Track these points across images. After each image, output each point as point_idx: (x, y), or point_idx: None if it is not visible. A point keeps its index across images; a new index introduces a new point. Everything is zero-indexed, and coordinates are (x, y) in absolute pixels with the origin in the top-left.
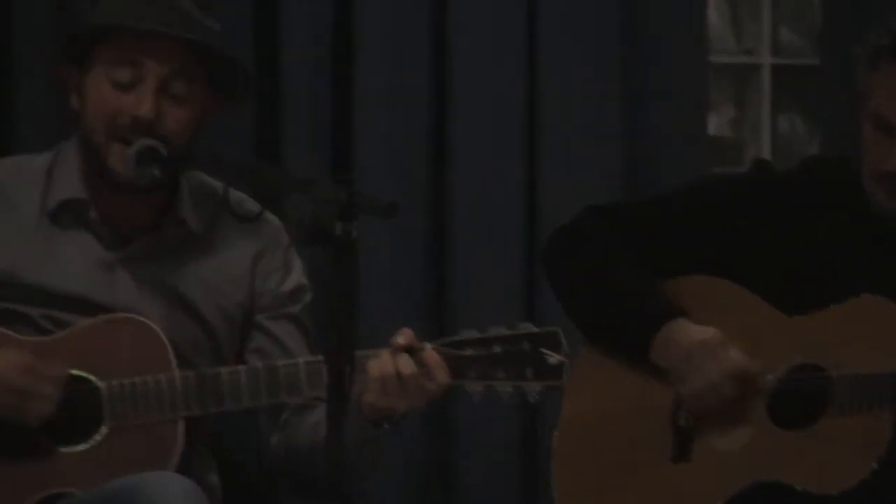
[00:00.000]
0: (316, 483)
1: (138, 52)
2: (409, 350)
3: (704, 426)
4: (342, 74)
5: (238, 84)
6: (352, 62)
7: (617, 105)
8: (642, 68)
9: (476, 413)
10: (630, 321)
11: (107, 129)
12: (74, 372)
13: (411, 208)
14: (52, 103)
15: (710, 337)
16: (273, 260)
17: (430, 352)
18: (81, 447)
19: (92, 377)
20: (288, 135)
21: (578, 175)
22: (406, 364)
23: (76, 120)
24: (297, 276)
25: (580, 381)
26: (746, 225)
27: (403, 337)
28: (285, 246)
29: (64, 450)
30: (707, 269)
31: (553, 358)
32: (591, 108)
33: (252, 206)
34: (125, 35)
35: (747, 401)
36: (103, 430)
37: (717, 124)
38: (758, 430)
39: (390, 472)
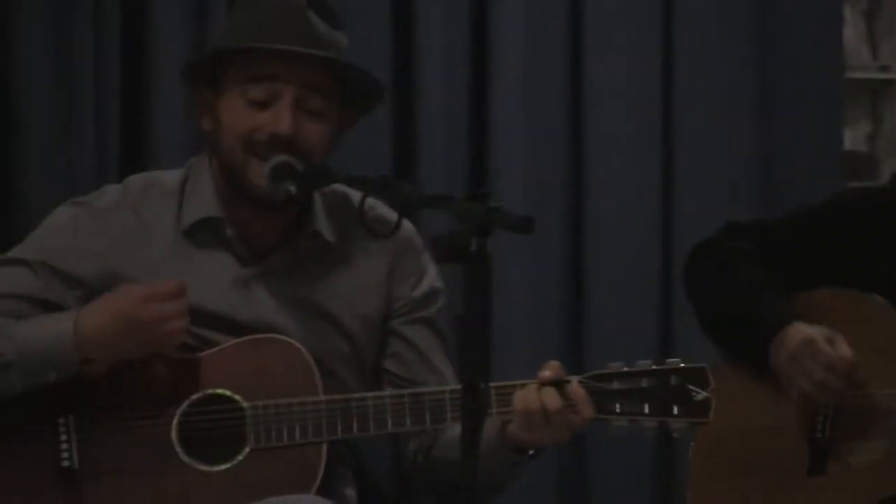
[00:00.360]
0: (454, 491)
1: (273, 70)
2: (556, 383)
3: (839, 438)
4: (478, 91)
5: (371, 98)
6: (487, 80)
7: (752, 121)
8: (778, 84)
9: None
10: (749, 329)
11: (244, 146)
12: (220, 391)
13: (547, 224)
14: (187, 124)
15: (812, 334)
16: (407, 265)
17: (576, 386)
18: (224, 466)
19: (237, 396)
20: (424, 151)
21: (713, 191)
22: (552, 399)
23: (208, 141)
24: (431, 279)
25: (715, 399)
26: (887, 239)
27: (551, 370)
28: (418, 250)
29: (206, 468)
30: (845, 282)
31: (700, 395)
32: (726, 125)
33: (386, 211)
34: (260, 54)
35: (880, 414)
36: (246, 450)
37: (852, 139)
38: (892, 444)
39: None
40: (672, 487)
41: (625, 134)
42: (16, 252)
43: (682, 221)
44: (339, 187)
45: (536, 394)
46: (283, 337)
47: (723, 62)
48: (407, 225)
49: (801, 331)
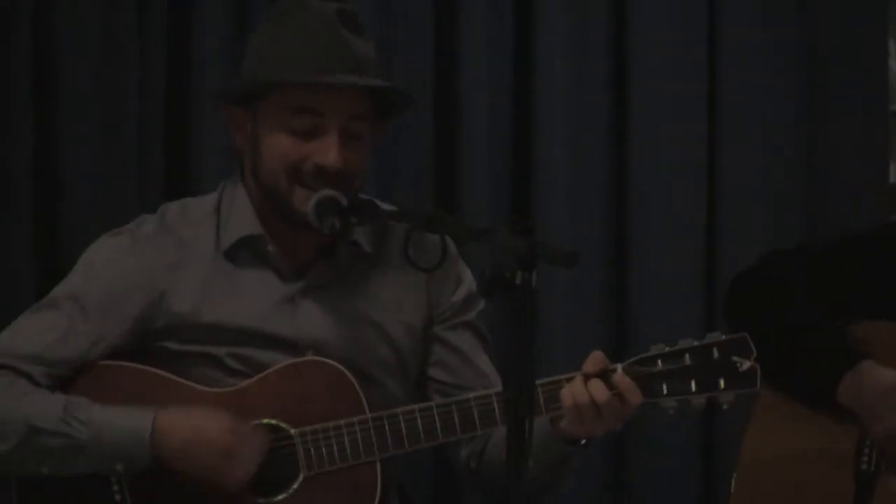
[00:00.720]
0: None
1: (318, 105)
2: (601, 374)
3: (887, 470)
4: (522, 123)
5: (399, 106)
6: (531, 111)
7: (797, 153)
8: (823, 117)
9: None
10: (816, 363)
11: (290, 176)
12: (266, 421)
13: (591, 257)
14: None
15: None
16: (445, 272)
17: (620, 375)
18: (280, 497)
19: (284, 425)
20: (467, 183)
21: (757, 225)
22: (600, 391)
23: (239, 159)
24: (469, 284)
25: (759, 424)
26: None
27: (594, 363)
28: (454, 257)
29: (261, 500)
30: (884, 314)
31: (744, 364)
32: (771, 157)
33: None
34: (306, 86)
35: None
36: (300, 478)
37: None
38: None
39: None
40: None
41: (669, 139)
42: (62, 290)
43: (727, 237)
44: (375, 200)
45: (584, 387)
46: (322, 359)
47: (769, 95)
48: (452, 247)
49: (882, 376)
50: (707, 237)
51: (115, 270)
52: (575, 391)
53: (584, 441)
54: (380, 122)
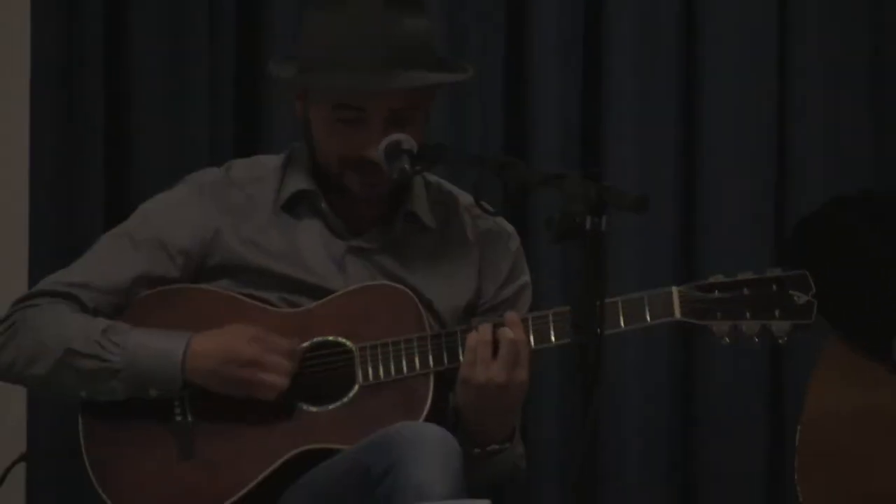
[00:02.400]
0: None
1: (359, 103)
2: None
3: None
4: (591, 72)
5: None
6: (600, 61)
7: (866, 127)
8: (889, 95)
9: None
10: (876, 308)
11: (339, 163)
12: (331, 337)
13: (660, 202)
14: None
15: None
16: (498, 265)
17: (509, 313)
18: (334, 405)
19: (346, 341)
20: (537, 131)
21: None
22: (502, 332)
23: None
24: (522, 283)
25: (823, 376)
26: None
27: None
28: (514, 252)
29: (316, 409)
30: None
31: (802, 298)
32: (840, 126)
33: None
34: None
35: None
36: (356, 387)
37: None
38: None
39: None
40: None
41: (736, 139)
42: (120, 227)
43: (796, 187)
44: (444, 183)
45: (489, 330)
46: (389, 283)
47: (837, 74)
48: (507, 225)
49: None
50: (777, 188)
51: (171, 209)
52: (480, 331)
53: (476, 450)
54: (432, 93)
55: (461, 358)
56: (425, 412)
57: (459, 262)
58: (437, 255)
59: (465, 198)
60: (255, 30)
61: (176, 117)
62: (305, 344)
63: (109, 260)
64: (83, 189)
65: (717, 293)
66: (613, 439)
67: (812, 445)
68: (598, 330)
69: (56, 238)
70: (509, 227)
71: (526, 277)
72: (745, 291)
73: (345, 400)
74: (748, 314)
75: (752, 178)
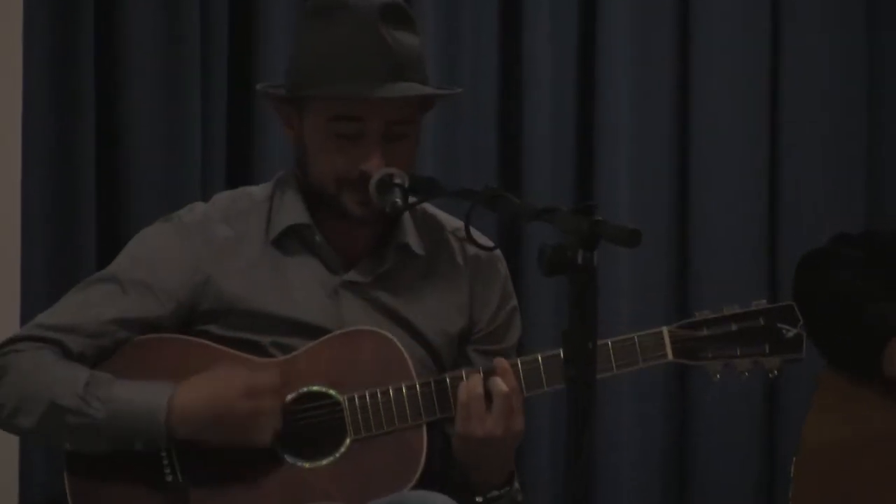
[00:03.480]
0: None
1: (357, 113)
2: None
3: None
4: (584, 104)
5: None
6: (593, 93)
7: (858, 146)
8: (889, 87)
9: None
10: (857, 337)
11: (336, 183)
12: (316, 388)
13: (653, 235)
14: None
15: None
16: (490, 290)
17: (503, 366)
18: (326, 461)
19: (332, 391)
20: (530, 163)
21: (820, 194)
22: (494, 383)
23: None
24: (510, 309)
25: (820, 408)
26: None
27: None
28: (503, 277)
29: (309, 465)
30: None
31: (791, 331)
32: (836, 128)
33: (485, 241)
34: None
35: None
36: (347, 442)
37: None
38: None
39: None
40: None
41: (731, 137)
42: (106, 270)
43: (789, 229)
44: (429, 207)
45: (479, 381)
46: (372, 328)
47: (833, 63)
48: (484, 240)
49: None
50: (770, 221)
51: (160, 252)
52: (470, 385)
53: (486, 496)
54: (423, 110)
55: (452, 408)
56: (421, 467)
57: (450, 288)
58: (427, 283)
59: (451, 222)
60: (249, 25)
61: (168, 114)
62: (291, 396)
63: (97, 303)
64: (76, 189)
65: (705, 330)
66: (607, 469)
67: (808, 476)
68: (591, 369)
69: (48, 236)
70: (497, 251)
71: (515, 300)
72: (734, 327)
73: (337, 455)
74: (738, 351)
75: (744, 213)
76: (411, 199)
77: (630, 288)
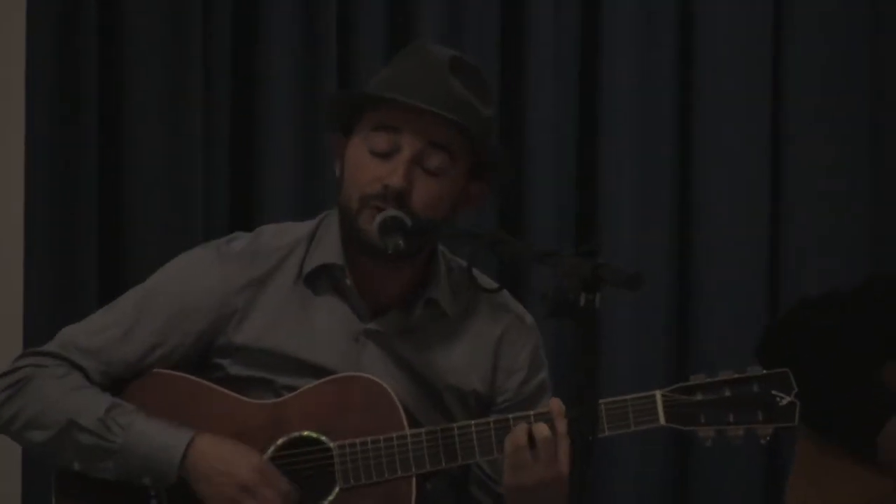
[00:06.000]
0: None
1: (397, 122)
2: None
3: None
4: (586, 145)
5: (500, 172)
6: (595, 133)
7: (860, 163)
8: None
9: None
10: (857, 410)
11: (360, 195)
12: (306, 433)
13: (656, 277)
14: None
15: None
16: (517, 357)
17: (554, 400)
18: None
19: (323, 437)
20: (532, 205)
21: (822, 211)
22: (539, 429)
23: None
24: (541, 378)
25: (800, 480)
26: None
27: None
28: (533, 346)
29: None
30: None
31: (784, 399)
32: (836, 169)
33: (488, 283)
34: (388, 105)
35: None
36: (336, 490)
37: None
38: None
39: None
40: None
41: (733, 159)
42: (137, 291)
43: (791, 259)
44: (464, 263)
45: (524, 431)
46: (364, 375)
47: (833, 63)
48: (525, 315)
49: None
50: (771, 260)
51: (192, 281)
52: (515, 435)
53: None
54: (476, 182)
55: (446, 459)
56: None
57: (474, 350)
58: (451, 342)
59: (486, 282)
60: (252, 27)
61: (170, 123)
62: (281, 440)
63: (125, 324)
64: (78, 195)
65: (699, 395)
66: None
67: None
68: (593, 428)
69: (51, 242)
70: (529, 319)
71: (545, 372)
72: (727, 393)
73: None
74: (731, 418)
75: (746, 265)
76: (414, 243)
77: (631, 310)
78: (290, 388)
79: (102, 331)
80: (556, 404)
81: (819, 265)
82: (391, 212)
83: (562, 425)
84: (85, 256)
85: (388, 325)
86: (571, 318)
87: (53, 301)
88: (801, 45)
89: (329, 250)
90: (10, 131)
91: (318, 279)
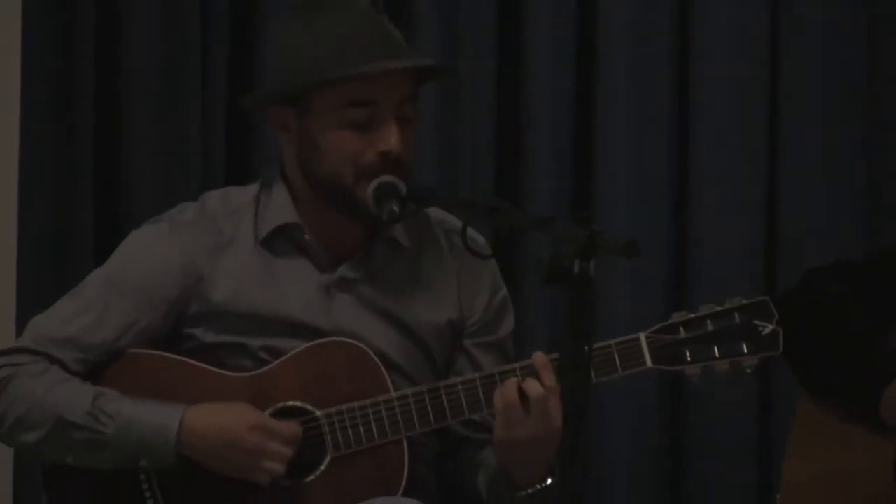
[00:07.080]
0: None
1: (373, 95)
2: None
3: None
4: (584, 113)
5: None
6: (593, 100)
7: (856, 153)
8: (889, 85)
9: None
10: (861, 374)
11: (355, 171)
12: (291, 403)
13: (651, 245)
14: None
15: None
16: (481, 281)
17: (537, 355)
18: (308, 479)
19: (309, 406)
20: (528, 172)
21: (819, 198)
22: (531, 386)
23: (282, 153)
24: (502, 297)
25: (801, 444)
26: None
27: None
28: (492, 267)
29: (290, 483)
30: None
31: (766, 328)
32: (831, 158)
33: (482, 249)
34: (356, 77)
35: None
36: (327, 458)
37: None
38: None
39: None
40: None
41: (730, 142)
42: (99, 274)
43: (788, 232)
44: (431, 185)
45: (514, 387)
46: (346, 339)
47: (833, 63)
48: (480, 239)
49: None
50: (768, 234)
51: (153, 255)
52: (505, 391)
53: (529, 490)
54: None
55: (435, 419)
56: (403, 482)
57: (439, 281)
58: (416, 278)
59: (437, 214)
60: (249, 26)
61: (168, 117)
62: (267, 412)
63: (95, 310)
64: (72, 192)
65: (682, 332)
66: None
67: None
68: (587, 378)
69: (45, 240)
70: (481, 239)
71: (505, 289)
72: (710, 327)
73: (318, 473)
74: (716, 352)
75: (744, 214)
76: (408, 209)
77: (628, 289)
78: (267, 350)
79: (73, 319)
80: (539, 358)
81: (817, 249)
82: (385, 178)
83: (549, 378)
84: (80, 257)
85: (353, 272)
86: (566, 286)
87: (49, 302)
88: (800, 30)
89: (281, 211)
90: (4, 130)
91: (276, 240)
